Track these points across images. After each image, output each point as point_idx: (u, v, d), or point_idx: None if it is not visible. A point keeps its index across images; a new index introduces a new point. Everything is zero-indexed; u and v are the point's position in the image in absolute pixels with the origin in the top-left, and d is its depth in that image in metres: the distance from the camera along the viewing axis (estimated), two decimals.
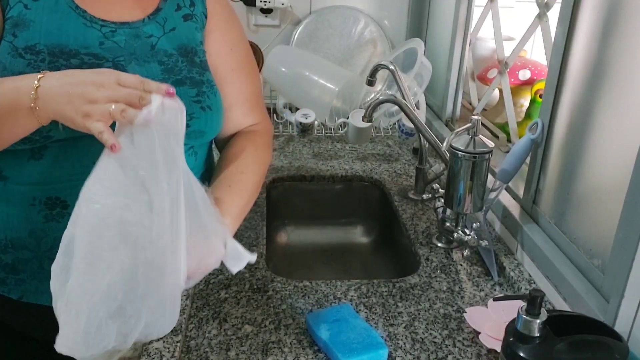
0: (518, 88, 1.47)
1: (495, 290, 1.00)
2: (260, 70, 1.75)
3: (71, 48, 0.81)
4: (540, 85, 1.33)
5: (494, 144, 1.01)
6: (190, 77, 0.89)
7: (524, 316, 0.69)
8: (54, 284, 0.65)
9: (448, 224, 1.10)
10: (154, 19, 0.89)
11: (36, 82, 0.68)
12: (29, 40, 0.79)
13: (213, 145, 1.05)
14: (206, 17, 0.95)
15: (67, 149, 0.81)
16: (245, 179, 0.90)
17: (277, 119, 1.71)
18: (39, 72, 0.70)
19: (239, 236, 1.13)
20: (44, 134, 0.77)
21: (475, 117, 0.98)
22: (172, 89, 0.68)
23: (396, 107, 1.54)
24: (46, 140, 0.79)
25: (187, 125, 0.83)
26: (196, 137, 0.90)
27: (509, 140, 1.36)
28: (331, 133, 1.68)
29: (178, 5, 0.92)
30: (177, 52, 0.89)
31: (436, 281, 1.01)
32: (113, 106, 0.65)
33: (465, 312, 0.91)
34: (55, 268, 0.65)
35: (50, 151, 0.81)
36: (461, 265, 1.06)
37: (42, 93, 0.68)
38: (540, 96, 1.27)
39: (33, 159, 0.81)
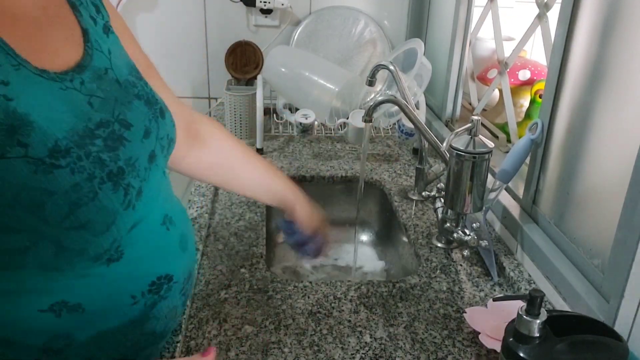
0: (518, 88, 1.47)
1: (495, 290, 1.00)
2: (260, 71, 1.75)
3: (81, 127, 0.59)
4: (540, 86, 1.33)
5: (493, 144, 1.01)
6: (152, 94, 0.73)
7: (524, 316, 0.69)
8: None
9: (448, 224, 1.10)
10: (92, 47, 0.65)
11: None
12: (45, 141, 0.55)
13: None
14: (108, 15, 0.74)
15: (139, 233, 0.67)
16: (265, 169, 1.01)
17: (277, 119, 1.71)
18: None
19: (239, 236, 1.13)
20: (113, 249, 0.64)
21: (475, 117, 0.98)
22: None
23: (396, 107, 1.54)
24: (116, 250, 0.64)
25: (165, 138, 0.73)
26: (169, 146, 0.75)
27: (508, 141, 1.36)
28: (331, 133, 1.68)
29: (91, 17, 0.68)
30: (133, 76, 0.71)
31: (436, 281, 1.01)
32: None
33: (465, 313, 0.91)
34: None
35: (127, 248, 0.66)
36: (461, 265, 1.06)
37: None
38: (540, 96, 1.27)
39: (113, 261, 0.64)
